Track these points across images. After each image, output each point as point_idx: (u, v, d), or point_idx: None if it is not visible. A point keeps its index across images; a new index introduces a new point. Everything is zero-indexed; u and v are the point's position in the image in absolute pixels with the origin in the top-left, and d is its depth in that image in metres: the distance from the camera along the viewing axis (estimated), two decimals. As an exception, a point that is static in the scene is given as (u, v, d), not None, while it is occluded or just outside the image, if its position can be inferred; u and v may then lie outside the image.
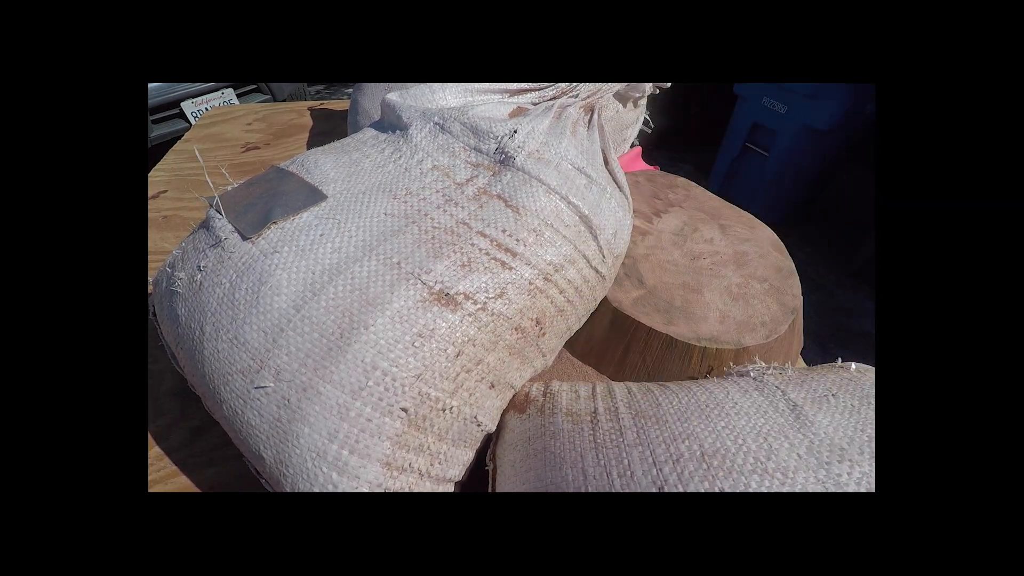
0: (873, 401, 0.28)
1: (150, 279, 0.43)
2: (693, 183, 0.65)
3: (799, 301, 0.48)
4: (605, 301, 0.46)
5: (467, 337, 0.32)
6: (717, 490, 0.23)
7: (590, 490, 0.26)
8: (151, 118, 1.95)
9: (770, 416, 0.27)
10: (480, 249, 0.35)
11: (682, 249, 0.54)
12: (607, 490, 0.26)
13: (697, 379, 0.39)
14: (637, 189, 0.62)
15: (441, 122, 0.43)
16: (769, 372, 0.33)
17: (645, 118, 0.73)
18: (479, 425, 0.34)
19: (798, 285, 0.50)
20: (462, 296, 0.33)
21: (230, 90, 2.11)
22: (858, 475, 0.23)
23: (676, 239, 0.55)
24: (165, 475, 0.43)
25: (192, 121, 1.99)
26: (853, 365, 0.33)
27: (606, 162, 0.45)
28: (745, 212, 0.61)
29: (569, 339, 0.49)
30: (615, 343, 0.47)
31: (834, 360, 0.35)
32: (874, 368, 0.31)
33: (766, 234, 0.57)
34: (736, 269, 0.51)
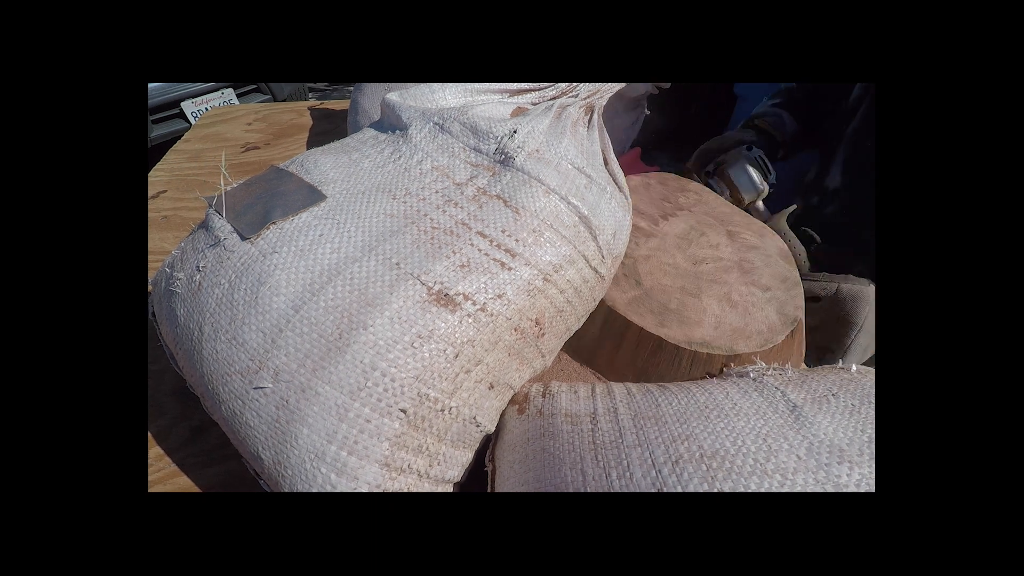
0: (874, 401, 0.28)
1: (150, 279, 0.43)
2: (706, 188, 0.65)
3: (801, 312, 0.47)
4: (600, 300, 0.46)
5: (466, 338, 0.32)
6: (716, 491, 0.23)
7: (589, 491, 0.26)
8: (151, 118, 1.95)
9: (769, 417, 0.27)
10: (479, 249, 0.35)
11: (685, 253, 0.53)
12: (606, 491, 0.26)
13: (696, 380, 0.39)
14: (648, 191, 0.62)
15: (441, 122, 0.43)
16: (769, 373, 0.33)
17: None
18: (478, 426, 0.34)
19: (801, 296, 0.49)
20: (461, 296, 0.33)
21: (230, 90, 2.11)
22: (857, 476, 0.23)
23: (680, 243, 0.54)
24: (165, 475, 0.43)
25: (192, 121, 1.99)
26: (854, 366, 0.33)
27: (606, 162, 0.45)
28: (756, 219, 0.60)
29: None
30: (607, 342, 0.47)
31: (834, 361, 0.35)
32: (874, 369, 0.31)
33: (775, 243, 0.56)
34: (739, 276, 0.51)
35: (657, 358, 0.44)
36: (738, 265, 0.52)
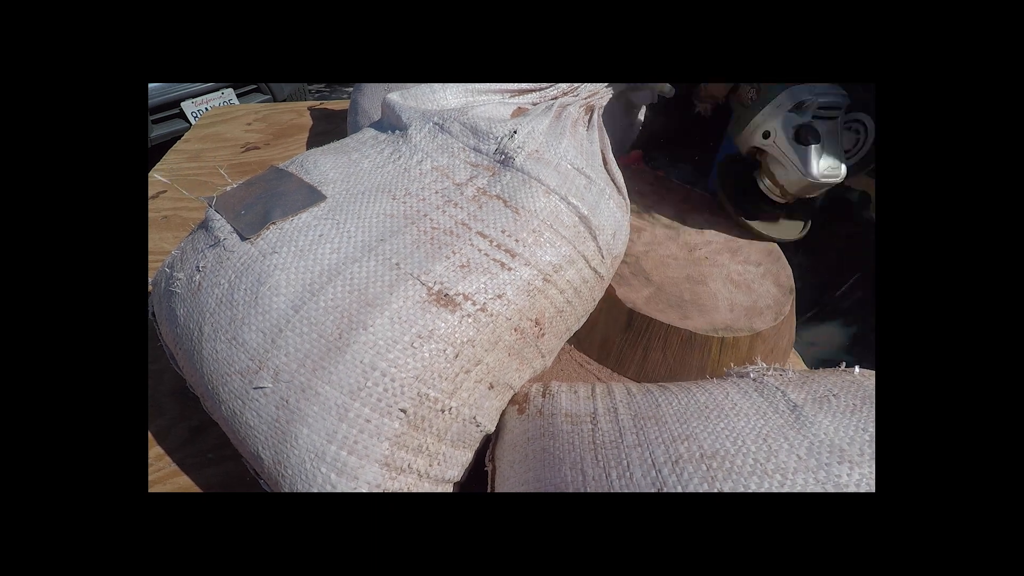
0: (874, 401, 0.28)
1: (150, 279, 0.43)
2: (660, 176, 0.67)
3: (792, 280, 0.50)
4: (618, 302, 0.46)
5: (466, 338, 0.32)
6: (716, 491, 0.23)
7: (589, 491, 0.26)
8: (151, 118, 1.95)
9: (770, 417, 0.27)
10: (479, 250, 0.35)
11: (677, 242, 0.54)
12: (606, 491, 0.26)
13: (697, 380, 0.39)
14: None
15: (441, 122, 0.43)
16: (769, 373, 0.33)
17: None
18: (478, 426, 0.34)
19: (788, 266, 0.52)
20: (461, 297, 0.33)
21: (230, 90, 2.11)
22: (858, 476, 0.23)
23: (670, 232, 0.56)
24: (165, 475, 0.43)
25: (192, 121, 1.99)
26: (857, 368, 0.32)
27: (605, 163, 0.45)
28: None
29: (586, 343, 0.49)
30: (633, 344, 0.47)
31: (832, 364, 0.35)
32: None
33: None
34: (731, 257, 0.52)
35: (687, 352, 0.45)
36: (726, 245, 0.54)
